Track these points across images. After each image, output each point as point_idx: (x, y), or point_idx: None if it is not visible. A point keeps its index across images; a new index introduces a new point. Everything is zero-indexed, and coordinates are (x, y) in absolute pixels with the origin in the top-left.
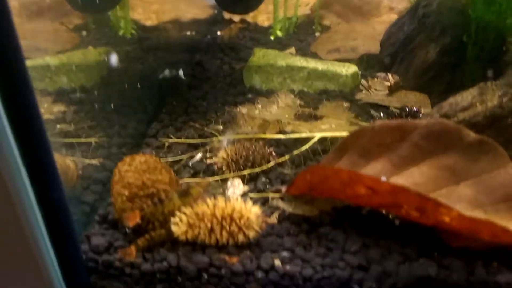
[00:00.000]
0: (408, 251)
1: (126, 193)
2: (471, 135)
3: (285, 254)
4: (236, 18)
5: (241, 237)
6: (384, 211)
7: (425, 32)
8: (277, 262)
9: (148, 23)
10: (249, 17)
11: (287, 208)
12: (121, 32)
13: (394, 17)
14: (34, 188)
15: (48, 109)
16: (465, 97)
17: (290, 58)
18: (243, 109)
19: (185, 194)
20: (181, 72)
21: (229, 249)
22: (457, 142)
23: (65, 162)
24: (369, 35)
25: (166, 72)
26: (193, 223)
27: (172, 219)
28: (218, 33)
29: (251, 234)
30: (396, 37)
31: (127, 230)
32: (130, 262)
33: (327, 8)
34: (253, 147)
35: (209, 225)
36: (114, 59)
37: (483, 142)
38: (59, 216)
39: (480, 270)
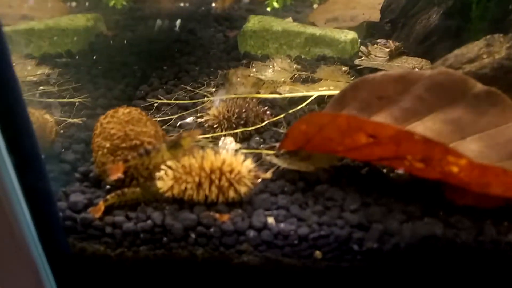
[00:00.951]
0: (411, 210)
1: (107, 145)
2: (478, 86)
3: (279, 212)
4: None
5: (231, 193)
6: (384, 170)
7: (418, 5)
8: (271, 220)
9: None
10: None
11: (282, 164)
12: (111, 3)
13: None
14: (4, 136)
15: (32, 71)
16: (471, 48)
17: (286, 24)
18: (237, 71)
19: (175, 146)
20: (178, 22)
21: (219, 207)
22: (463, 94)
23: (43, 116)
24: (369, 4)
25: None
26: (179, 177)
27: (157, 174)
28: (213, 4)
29: (243, 189)
30: (397, 4)
31: (108, 186)
32: (112, 221)
33: None
34: (246, 104)
35: (197, 179)
36: (101, 26)
37: (491, 93)
38: (32, 168)
39: (490, 229)
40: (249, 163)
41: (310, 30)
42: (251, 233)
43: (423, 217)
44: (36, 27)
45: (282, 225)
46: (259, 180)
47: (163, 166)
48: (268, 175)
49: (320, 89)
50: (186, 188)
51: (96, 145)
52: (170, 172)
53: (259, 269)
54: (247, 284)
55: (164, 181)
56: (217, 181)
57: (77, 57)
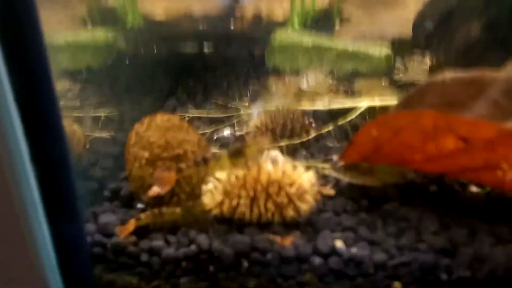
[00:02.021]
0: (500, 231)
1: (146, 155)
2: None
3: (346, 234)
4: (249, 14)
5: (290, 212)
6: (456, 187)
7: (466, 8)
8: (339, 244)
9: (157, 17)
10: (263, 14)
11: (344, 178)
12: (128, 26)
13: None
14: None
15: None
16: None
17: (316, 38)
18: (276, 81)
19: (237, 154)
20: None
21: (275, 229)
22: None
23: (70, 126)
24: (397, 22)
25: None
26: (231, 191)
27: (204, 187)
28: (231, 27)
29: (304, 207)
30: (431, 18)
31: (140, 205)
32: (149, 247)
33: (346, 1)
34: (291, 115)
35: (252, 194)
36: (121, 43)
37: None
38: (59, 179)
39: None
40: (311, 176)
41: (342, 45)
42: (317, 260)
43: None
44: (55, 43)
45: (353, 250)
46: (319, 197)
47: (211, 179)
48: (331, 191)
49: (364, 101)
50: (238, 204)
51: (132, 156)
52: (219, 185)
53: None
54: None
55: (212, 195)
56: (274, 196)
57: (98, 72)
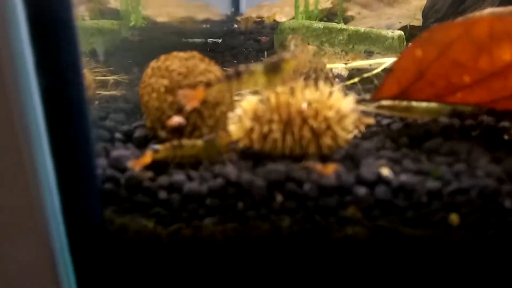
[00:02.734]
0: None
1: (165, 82)
2: None
3: (391, 166)
4: (252, 16)
5: (328, 140)
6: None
7: None
8: (386, 172)
9: (160, 19)
10: (265, 17)
11: (383, 111)
12: (131, 24)
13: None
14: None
15: None
16: None
17: (327, 22)
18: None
19: (274, 69)
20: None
21: (312, 160)
22: None
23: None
24: (404, 15)
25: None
26: (261, 116)
27: (230, 115)
28: (235, 25)
29: (343, 135)
30: (442, 3)
31: (157, 145)
32: (169, 182)
33: (349, 0)
34: (315, 65)
35: (285, 117)
36: (126, 32)
37: None
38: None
39: None
40: (351, 101)
41: (353, 27)
42: (361, 190)
43: None
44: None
45: (403, 177)
46: (359, 125)
47: (239, 104)
48: (372, 119)
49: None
50: (270, 131)
51: (150, 88)
52: (249, 110)
53: (369, 245)
54: (351, 270)
55: (240, 122)
56: (311, 120)
57: (107, 51)
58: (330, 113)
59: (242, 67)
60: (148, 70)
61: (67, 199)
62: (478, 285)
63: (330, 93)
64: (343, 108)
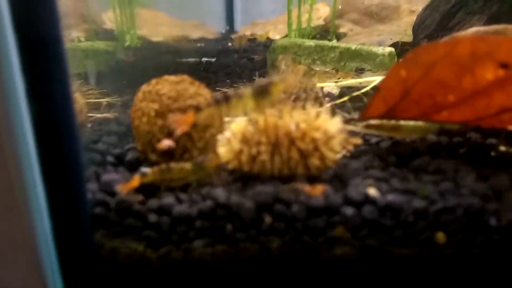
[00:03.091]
0: None
1: (155, 106)
2: None
3: (379, 185)
4: (246, 34)
5: (316, 161)
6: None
7: (466, 6)
8: (373, 192)
9: (155, 39)
10: (258, 35)
11: (369, 132)
12: (126, 44)
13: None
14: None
15: None
16: None
17: (318, 40)
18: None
19: (263, 93)
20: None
21: (299, 181)
22: None
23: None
24: (395, 31)
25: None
26: (250, 138)
27: (220, 137)
28: (229, 44)
29: (330, 156)
30: (431, 19)
31: (147, 168)
32: (159, 205)
33: (342, 18)
34: (305, 86)
35: (273, 139)
36: (120, 53)
37: None
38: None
39: None
40: (338, 122)
41: (345, 44)
42: (348, 211)
43: None
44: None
45: (390, 196)
46: (347, 146)
47: (228, 127)
48: (359, 140)
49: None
50: (258, 153)
51: (139, 111)
52: (238, 132)
53: (357, 264)
54: None
55: (229, 144)
56: (298, 142)
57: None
58: (317, 135)
59: (231, 91)
60: (139, 94)
61: (58, 224)
62: None
63: (318, 114)
64: (330, 129)
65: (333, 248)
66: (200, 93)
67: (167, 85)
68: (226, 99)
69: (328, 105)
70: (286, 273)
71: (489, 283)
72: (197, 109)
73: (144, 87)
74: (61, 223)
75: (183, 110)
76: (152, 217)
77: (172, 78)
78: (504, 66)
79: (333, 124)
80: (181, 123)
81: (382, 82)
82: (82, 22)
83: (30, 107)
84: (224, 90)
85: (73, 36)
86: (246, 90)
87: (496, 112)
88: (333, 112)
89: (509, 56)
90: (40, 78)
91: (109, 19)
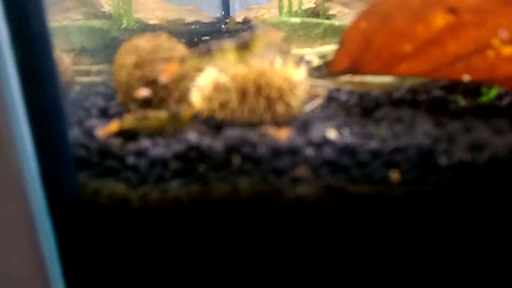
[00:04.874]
0: (497, 124)
1: (133, 59)
2: None
3: (339, 130)
4: (239, 18)
5: (282, 107)
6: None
7: None
8: (332, 134)
9: (151, 22)
10: (253, 17)
11: (334, 85)
12: (123, 26)
13: None
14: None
15: None
16: None
17: (304, 18)
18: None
19: (245, 45)
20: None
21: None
22: None
23: (59, 53)
24: None
25: None
26: (221, 88)
27: (193, 86)
28: (222, 26)
29: (295, 103)
30: None
31: (132, 107)
32: (137, 149)
33: (331, 0)
34: (281, 48)
35: (241, 87)
36: (115, 31)
37: None
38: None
39: None
40: (302, 72)
41: (328, 21)
42: (309, 151)
43: None
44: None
45: (347, 138)
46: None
47: (200, 78)
48: (322, 91)
49: None
50: (228, 100)
51: (119, 64)
52: (209, 82)
53: (317, 203)
54: (302, 226)
55: (201, 93)
56: (265, 90)
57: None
58: (282, 83)
59: (213, 44)
60: (120, 50)
61: (44, 167)
62: (417, 236)
63: (284, 65)
64: (294, 78)
65: (295, 186)
66: (175, 46)
67: (143, 40)
68: (209, 51)
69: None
70: (253, 210)
71: (437, 219)
72: (181, 60)
73: (124, 44)
74: (47, 165)
75: (168, 61)
76: (130, 159)
77: (149, 36)
78: (452, 11)
79: (297, 74)
80: (167, 73)
81: (344, 34)
82: (81, 5)
83: (13, 53)
84: None
85: (72, 19)
86: (229, 43)
87: (450, 61)
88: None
89: (456, 1)
90: (22, 26)
91: (106, 3)
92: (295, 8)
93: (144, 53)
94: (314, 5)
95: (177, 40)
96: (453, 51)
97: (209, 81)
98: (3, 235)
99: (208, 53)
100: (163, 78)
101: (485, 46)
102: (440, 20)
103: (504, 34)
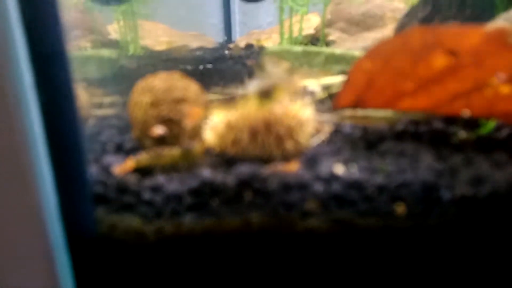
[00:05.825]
0: (497, 158)
1: (148, 98)
2: None
3: (347, 165)
4: (242, 43)
5: (290, 143)
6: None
7: (441, 13)
8: (339, 170)
9: (157, 48)
10: (255, 40)
11: (340, 120)
12: (130, 53)
13: None
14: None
15: None
16: None
17: (305, 46)
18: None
19: (266, 95)
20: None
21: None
22: None
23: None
24: (380, 38)
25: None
26: (234, 126)
27: (205, 126)
28: (226, 52)
29: (303, 141)
30: (410, 25)
31: (147, 143)
32: (155, 184)
33: (331, 27)
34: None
35: (252, 126)
36: (124, 60)
37: None
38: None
39: None
40: (310, 111)
41: (330, 49)
42: (317, 186)
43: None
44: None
45: (354, 175)
46: (318, 131)
47: (212, 117)
48: (328, 127)
49: None
50: (240, 138)
51: (134, 103)
52: (221, 118)
53: (326, 235)
54: (312, 257)
55: (214, 131)
56: (275, 128)
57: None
58: (291, 122)
59: (238, 93)
60: (135, 88)
61: (63, 202)
62: (421, 266)
63: (291, 102)
64: (302, 117)
65: (305, 219)
66: (189, 85)
67: (158, 79)
68: (232, 99)
69: (308, 101)
70: (264, 242)
71: (441, 249)
72: (206, 106)
73: (139, 82)
74: (66, 202)
75: (176, 101)
76: (146, 195)
77: (163, 75)
78: (452, 52)
79: (305, 112)
80: (191, 116)
81: (349, 73)
82: (89, 33)
83: (38, 97)
84: (217, 88)
85: (81, 46)
86: (252, 91)
87: (450, 98)
88: (313, 107)
89: (454, 43)
90: (47, 75)
91: (114, 30)
92: (295, 34)
93: (160, 92)
94: (314, 31)
95: (188, 79)
96: (453, 89)
97: (221, 119)
98: (23, 268)
99: (231, 101)
100: (188, 121)
101: (483, 85)
102: (440, 61)
103: (501, 75)
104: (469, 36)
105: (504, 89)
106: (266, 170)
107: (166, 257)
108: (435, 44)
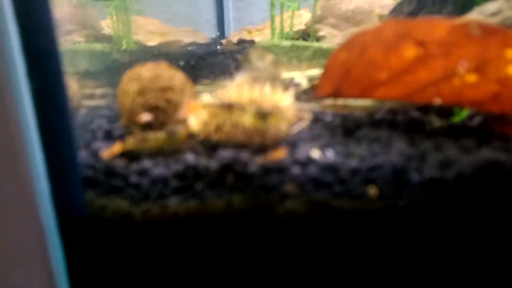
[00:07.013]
0: (466, 144)
1: (136, 87)
2: None
3: (323, 150)
4: (235, 39)
5: (270, 131)
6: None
7: (426, 8)
8: (316, 155)
9: (150, 43)
10: (245, 32)
11: (319, 108)
12: (123, 48)
13: None
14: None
15: None
16: (490, 6)
17: (294, 40)
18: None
19: (262, 117)
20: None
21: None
22: None
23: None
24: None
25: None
26: (217, 114)
27: (191, 116)
28: (218, 47)
29: (283, 127)
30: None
31: (135, 130)
32: (142, 168)
33: (321, 22)
34: (271, 74)
35: (236, 113)
36: (116, 54)
37: None
38: (53, 98)
39: None
40: (289, 99)
41: (317, 44)
42: (295, 169)
43: (480, 148)
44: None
45: (329, 159)
46: (297, 118)
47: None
48: (308, 114)
49: None
50: (223, 124)
51: (122, 91)
52: (206, 108)
53: (303, 216)
54: (289, 237)
55: (198, 117)
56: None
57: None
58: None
59: (235, 103)
60: (124, 78)
61: (55, 186)
62: (392, 246)
63: (271, 92)
64: (282, 105)
65: (284, 201)
66: (174, 75)
67: (145, 69)
68: (230, 107)
69: (293, 92)
70: (246, 223)
71: (410, 230)
72: (204, 104)
73: (128, 72)
74: (58, 185)
75: (160, 91)
76: (133, 178)
77: (151, 65)
78: (421, 44)
79: (284, 100)
80: (189, 110)
81: (327, 64)
82: (82, 28)
83: (29, 87)
84: (207, 81)
85: (74, 41)
86: (250, 106)
87: (422, 87)
88: (297, 98)
89: (423, 35)
90: (39, 63)
91: (107, 25)
92: (286, 29)
93: (146, 81)
94: (304, 27)
95: (175, 69)
96: (424, 79)
97: (206, 109)
98: (16, 250)
99: (228, 108)
100: (183, 113)
101: (451, 75)
102: (411, 52)
103: (464, 64)
104: (437, 28)
105: (470, 78)
106: (257, 160)
107: (153, 237)
108: (406, 36)
